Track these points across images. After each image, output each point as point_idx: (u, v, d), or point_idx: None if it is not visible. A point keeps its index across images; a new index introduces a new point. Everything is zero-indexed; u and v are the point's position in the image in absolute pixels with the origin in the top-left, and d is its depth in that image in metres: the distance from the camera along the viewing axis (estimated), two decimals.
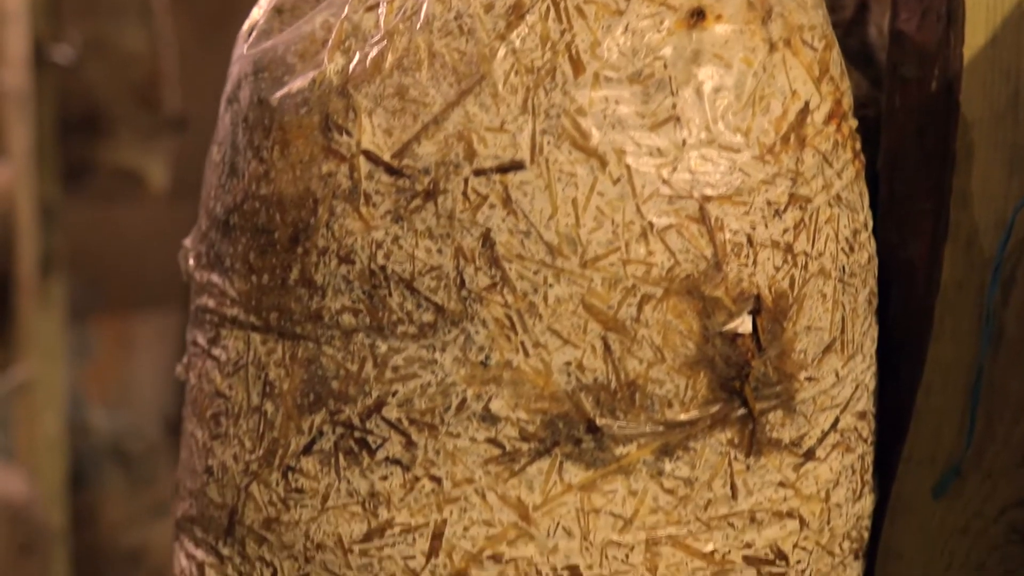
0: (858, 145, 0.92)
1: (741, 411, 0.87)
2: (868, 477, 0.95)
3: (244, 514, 0.91)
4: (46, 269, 2.71)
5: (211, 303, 0.94)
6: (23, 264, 2.73)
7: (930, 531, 0.97)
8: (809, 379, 0.89)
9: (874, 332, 0.94)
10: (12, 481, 2.68)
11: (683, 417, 0.86)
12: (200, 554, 0.95)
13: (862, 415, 0.93)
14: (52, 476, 2.73)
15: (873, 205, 0.95)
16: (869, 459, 0.95)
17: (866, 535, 0.96)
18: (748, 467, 0.88)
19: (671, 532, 0.87)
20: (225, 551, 0.93)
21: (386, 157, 0.86)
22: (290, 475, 0.89)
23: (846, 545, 0.93)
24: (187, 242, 1.00)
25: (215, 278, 0.94)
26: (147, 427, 3.07)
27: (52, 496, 2.71)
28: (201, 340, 0.96)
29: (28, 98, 2.65)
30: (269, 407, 0.90)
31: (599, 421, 0.85)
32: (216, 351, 0.94)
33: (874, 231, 0.95)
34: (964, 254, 0.95)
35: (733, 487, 0.87)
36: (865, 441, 0.94)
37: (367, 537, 0.87)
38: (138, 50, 2.78)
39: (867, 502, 0.95)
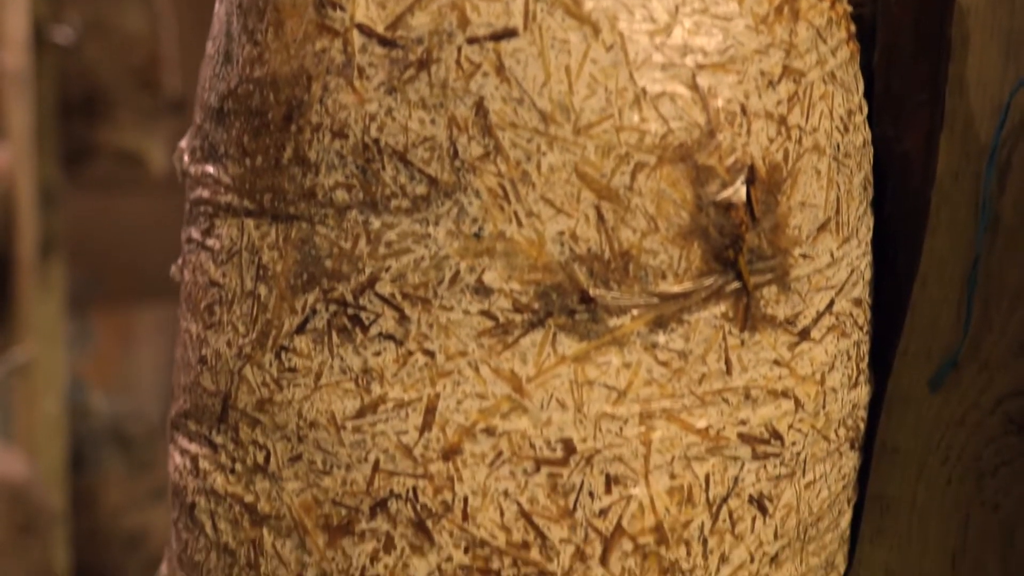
0: (853, 28, 0.91)
1: (735, 284, 0.86)
2: (864, 366, 0.94)
3: (237, 398, 0.91)
4: (46, 251, 2.71)
5: (205, 193, 0.94)
6: (23, 246, 2.73)
7: (926, 424, 0.97)
8: (804, 256, 0.88)
9: (869, 220, 0.94)
10: (12, 463, 2.67)
11: (677, 289, 0.85)
12: (193, 447, 0.95)
13: (858, 302, 0.93)
14: (52, 458, 2.72)
15: (869, 104, 0.95)
16: (865, 348, 0.94)
17: (862, 426, 0.95)
18: (743, 342, 0.87)
19: (665, 405, 0.86)
20: (218, 439, 0.92)
21: (379, 29, 0.86)
22: (283, 355, 0.89)
23: (841, 432, 0.93)
24: (182, 143, 0.99)
25: (209, 168, 0.93)
26: (147, 411, 3.07)
27: (52, 478, 2.71)
28: (196, 235, 0.95)
29: (28, 79, 2.66)
30: (263, 290, 0.90)
31: (592, 292, 0.85)
32: (210, 241, 0.93)
33: (870, 124, 0.94)
34: (960, 143, 0.95)
35: (727, 362, 0.87)
36: (861, 329, 0.93)
37: (360, 413, 0.87)
38: (138, 32, 2.78)
39: (863, 391, 0.94)
